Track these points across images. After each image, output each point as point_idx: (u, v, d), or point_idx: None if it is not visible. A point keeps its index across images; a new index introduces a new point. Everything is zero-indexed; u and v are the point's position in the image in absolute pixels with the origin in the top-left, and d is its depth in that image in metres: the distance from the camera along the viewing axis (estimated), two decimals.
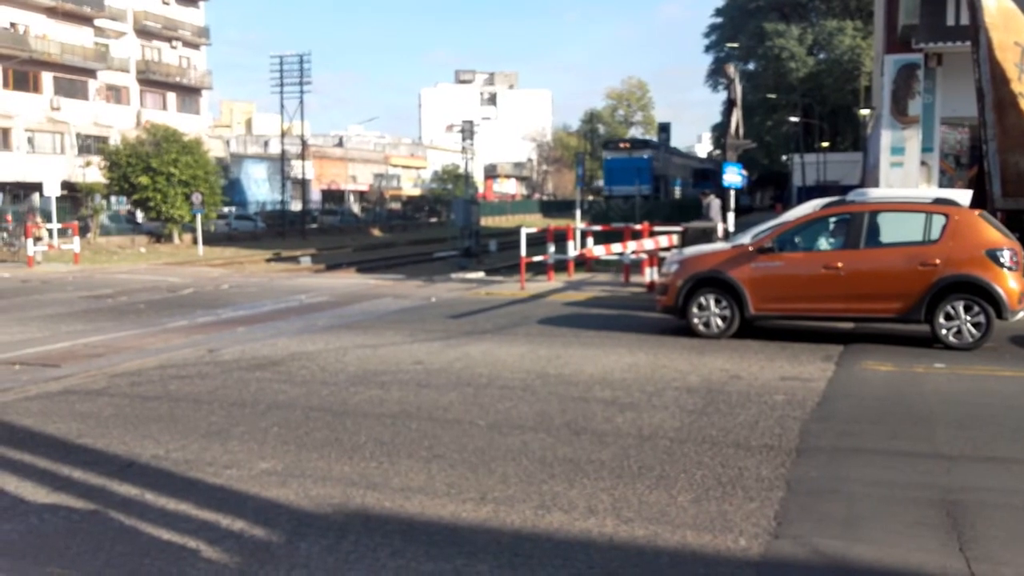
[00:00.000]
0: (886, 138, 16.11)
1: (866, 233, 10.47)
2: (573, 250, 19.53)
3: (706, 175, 51.39)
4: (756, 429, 6.76)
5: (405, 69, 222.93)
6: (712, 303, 10.98)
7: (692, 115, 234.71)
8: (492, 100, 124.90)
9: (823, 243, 10.98)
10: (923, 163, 16.17)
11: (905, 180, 15.83)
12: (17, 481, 5.68)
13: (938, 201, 10.70)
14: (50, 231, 30.32)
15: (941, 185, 16.15)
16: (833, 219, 11.05)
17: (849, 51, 59.20)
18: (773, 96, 62.15)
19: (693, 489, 5.39)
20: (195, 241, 36.74)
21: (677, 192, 45.23)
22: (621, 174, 38.11)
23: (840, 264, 10.38)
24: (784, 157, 68.05)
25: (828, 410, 7.41)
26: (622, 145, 41.19)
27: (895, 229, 10.63)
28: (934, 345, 10.23)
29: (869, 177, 18.63)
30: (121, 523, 4.95)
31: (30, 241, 26.71)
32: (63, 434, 6.84)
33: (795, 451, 6.19)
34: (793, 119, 59.98)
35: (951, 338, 10.11)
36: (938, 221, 10.31)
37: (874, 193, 11.85)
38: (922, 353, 9.98)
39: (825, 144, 61.62)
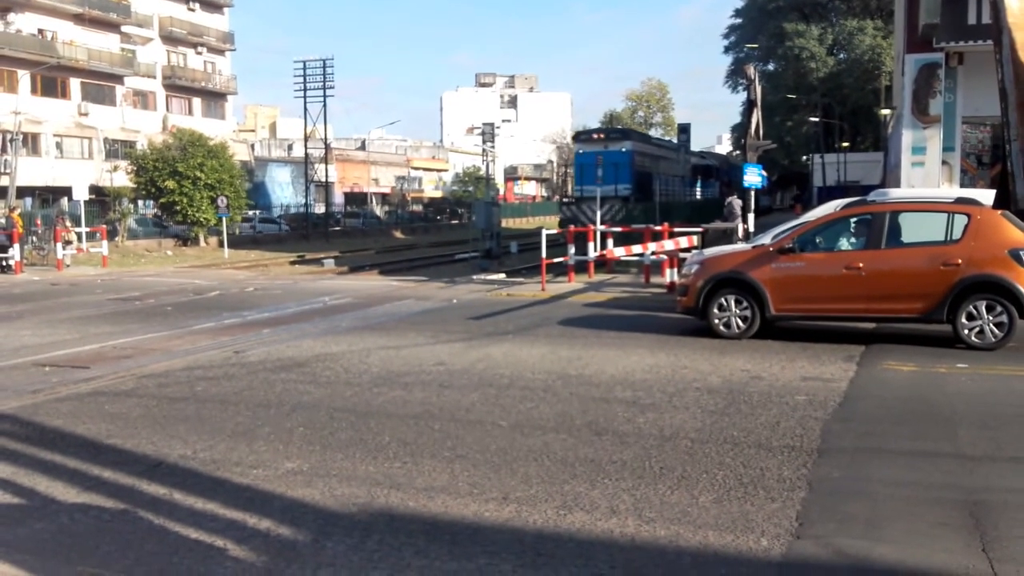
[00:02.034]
0: (907, 138, 16.00)
1: (887, 233, 10.43)
2: (593, 251, 19.57)
3: (709, 172, 45.27)
4: (777, 430, 6.76)
5: (426, 73, 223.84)
6: (733, 303, 10.98)
7: (712, 115, 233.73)
8: (512, 103, 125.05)
9: (844, 243, 10.94)
10: (944, 163, 16.04)
11: (926, 180, 15.71)
12: (48, 481, 5.80)
13: (960, 201, 10.64)
14: (79, 235, 30.71)
15: (963, 185, 16.01)
16: (854, 219, 11.01)
17: (869, 51, 58.69)
18: (793, 96, 61.67)
19: (715, 489, 5.40)
20: (221, 244, 37.11)
21: (662, 192, 35.75)
22: (594, 171, 29.32)
23: (861, 264, 10.34)
24: (804, 157, 67.55)
25: (850, 410, 7.39)
26: (595, 136, 31.56)
27: (917, 229, 10.58)
28: (956, 345, 10.17)
29: (890, 177, 18.49)
30: (150, 522, 5.04)
31: (59, 245, 27.05)
32: (93, 434, 6.96)
33: (817, 451, 6.19)
34: (813, 119, 59.54)
35: (973, 338, 10.04)
36: (960, 221, 10.24)
37: (895, 193, 11.79)
38: (944, 353, 9.93)
39: (845, 144, 61.07)
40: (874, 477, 5.67)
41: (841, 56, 63.14)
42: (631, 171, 29.38)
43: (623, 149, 30.08)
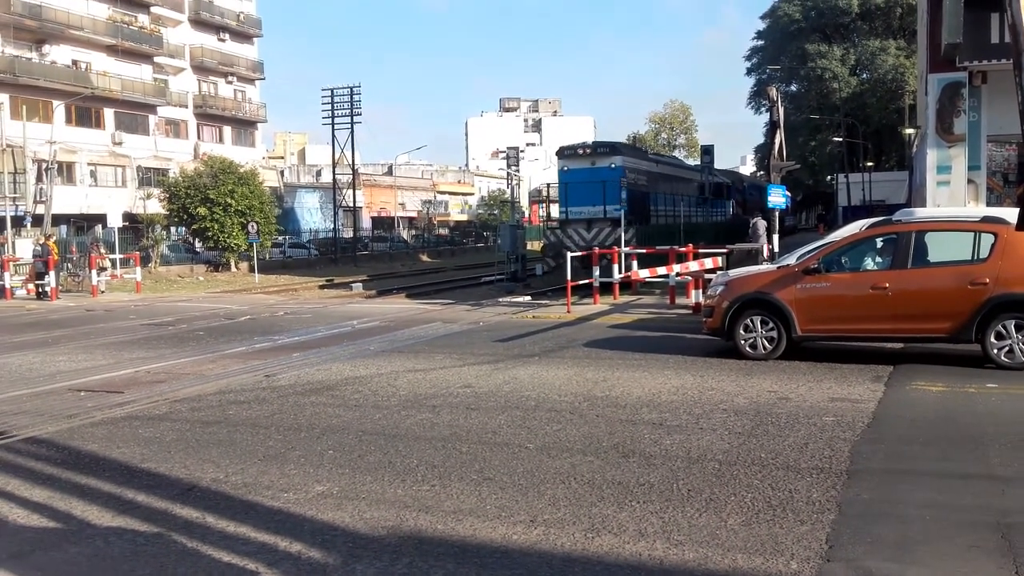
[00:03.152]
0: (932, 157, 15.91)
1: (913, 253, 10.38)
2: (618, 273, 19.60)
3: (719, 191, 40.27)
4: (806, 451, 6.74)
5: (451, 98, 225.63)
6: (758, 324, 10.97)
7: (735, 137, 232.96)
8: (536, 127, 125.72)
9: (870, 263, 10.90)
10: (970, 181, 15.92)
11: (952, 199, 15.59)
12: (84, 505, 5.91)
13: (987, 219, 10.56)
14: (113, 261, 31.23)
15: (989, 203, 15.86)
16: (880, 239, 10.98)
17: (892, 70, 58.47)
18: (816, 116, 61.51)
19: (743, 512, 5.40)
20: (251, 269, 37.55)
21: (662, 213, 30.58)
22: (581, 190, 26.18)
23: (887, 284, 10.28)
24: (829, 177, 67.25)
25: (879, 431, 7.35)
26: (581, 151, 27.24)
27: (943, 248, 10.52)
28: (986, 365, 10.07)
29: (916, 196, 18.34)
30: (184, 545, 5.11)
31: (94, 271, 27.52)
32: (127, 458, 7.09)
33: (846, 473, 6.16)
34: (837, 139, 59.28)
35: (1003, 358, 9.94)
36: (987, 240, 10.17)
37: (921, 212, 11.76)
38: (974, 373, 9.84)
39: (870, 163, 60.72)
40: (904, 499, 5.62)
41: (864, 76, 62.92)
42: (622, 189, 25.67)
43: (612, 165, 26.28)
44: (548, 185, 31.70)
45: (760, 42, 71.24)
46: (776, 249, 17.03)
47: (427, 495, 5.90)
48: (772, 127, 18.13)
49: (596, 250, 19.73)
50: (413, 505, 5.69)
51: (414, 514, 5.51)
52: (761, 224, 19.63)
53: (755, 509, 5.44)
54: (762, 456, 6.63)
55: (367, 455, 6.98)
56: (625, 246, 22.22)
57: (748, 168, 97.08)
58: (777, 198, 16.98)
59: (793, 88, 67.59)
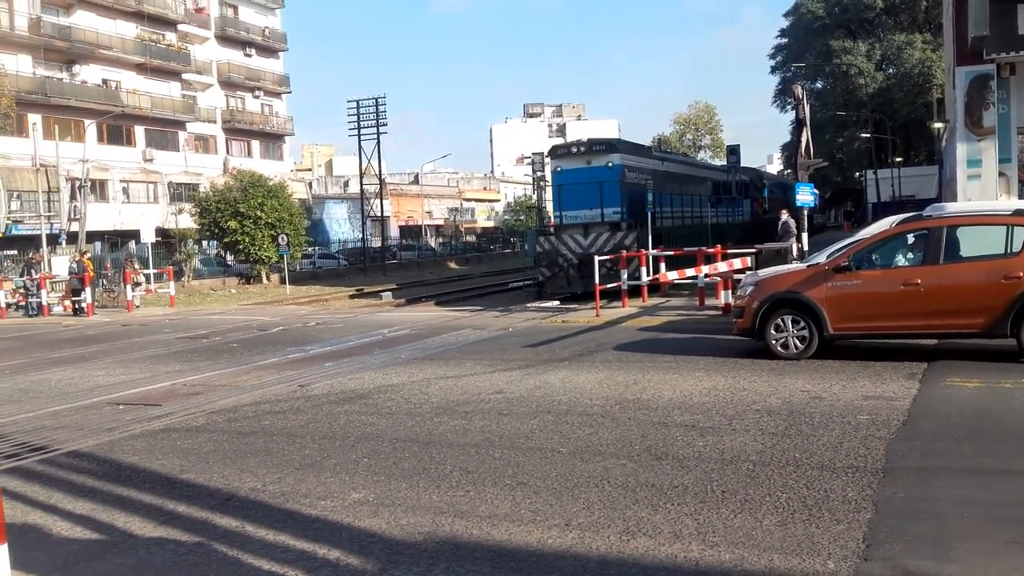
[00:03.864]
0: (961, 151, 15.72)
1: (945, 248, 10.26)
2: (646, 275, 19.55)
3: (732, 189, 36.45)
4: (840, 450, 6.70)
5: (475, 105, 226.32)
6: (789, 324, 10.91)
7: (761, 136, 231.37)
8: (561, 131, 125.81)
9: (901, 259, 10.80)
10: (1001, 174, 15.71)
11: (983, 192, 15.39)
12: (126, 516, 6.03)
13: (1019, 212, 10.42)
14: (147, 276, 31.65)
15: (1021, 196, 15.64)
16: (910, 235, 10.89)
17: (919, 64, 57.89)
18: (843, 113, 61.03)
19: (779, 512, 5.38)
20: (282, 280, 37.96)
21: (669, 214, 27.15)
22: (576, 193, 23.58)
23: (919, 280, 10.18)
24: (857, 173, 66.64)
25: (914, 429, 7.29)
26: (575, 149, 24.62)
27: (975, 243, 10.39)
28: (1021, 360, 9.92)
29: (946, 191, 18.13)
30: (224, 555, 5.20)
31: (129, 287, 27.91)
32: (167, 470, 7.21)
33: (881, 471, 6.12)
34: (864, 135, 58.80)
35: None
36: (1020, 233, 10.03)
37: (951, 207, 11.61)
38: (1009, 368, 9.72)
39: (899, 159, 60.14)
40: (941, 496, 5.58)
41: (890, 71, 62.38)
42: (621, 191, 23.39)
43: (609, 164, 23.63)
44: (541, 187, 29.80)
45: (784, 40, 70.87)
46: (806, 247, 16.92)
47: (462, 500, 5.95)
48: (798, 125, 18.02)
49: (624, 254, 19.65)
50: (448, 511, 5.73)
51: (449, 519, 5.56)
52: (791, 222, 19.51)
53: (791, 509, 5.43)
54: (796, 456, 6.60)
55: (401, 462, 7.04)
56: (626, 251, 21.02)
57: (775, 167, 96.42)
58: (805, 196, 16.88)
59: (819, 85, 67.13)
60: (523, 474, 6.50)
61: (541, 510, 5.65)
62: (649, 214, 22.89)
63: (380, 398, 9.97)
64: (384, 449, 7.50)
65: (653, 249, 20.83)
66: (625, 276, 19.17)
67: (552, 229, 25.13)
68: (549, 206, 27.86)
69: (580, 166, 24.02)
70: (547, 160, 25.31)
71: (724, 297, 16.60)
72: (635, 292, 19.88)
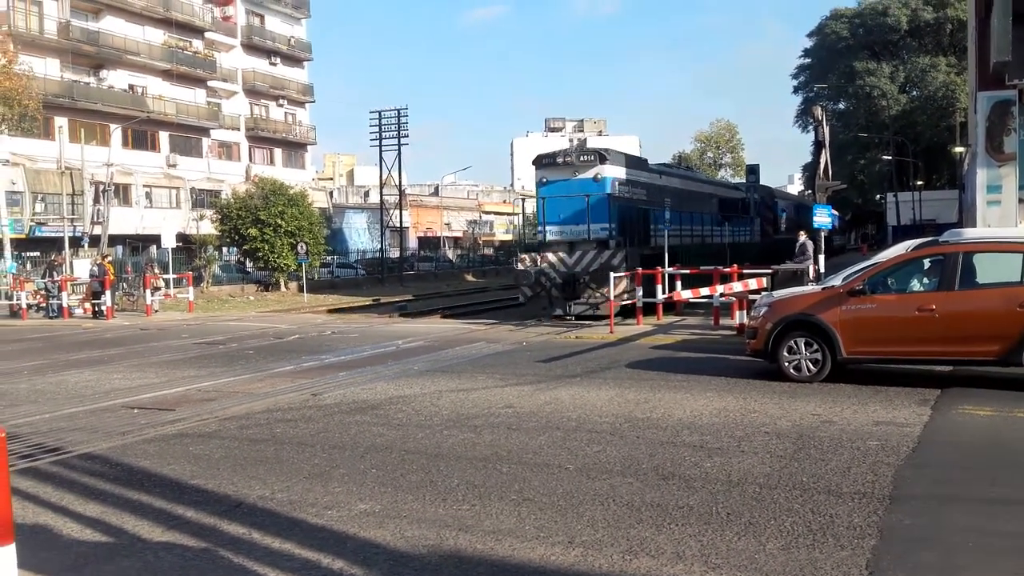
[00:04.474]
0: (982, 176, 15.66)
1: (961, 274, 10.21)
2: (661, 293, 19.49)
3: (743, 207, 34.77)
4: (848, 475, 6.69)
5: (496, 118, 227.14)
6: (803, 346, 10.88)
7: (782, 155, 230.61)
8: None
9: (916, 285, 10.77)
10: (1021, 201, 15.61)
11: (1003, 219, 15.31)
12: (135, 520, 6.10)
13: None
14: (167, 281, 31.92)
15: None
16: (926, 260, 10.85)
17: (943, 88, 57.71)
18: (865, 135, 60.87)
19: (783, 536, 5.38)
20: (300, 289, 38.17)
21: (657, 234, 23.95)
22: (561, 207, 21.89)
23: (934, 306, 10.14)
24: (878, 196, 66.38)
25: (924, 456, 7.26)
26: (561, 160, 22.28)
27: (992, 269, 10.33)
28: None
29: (967, 216, 18.03)
30: (230, 561, 5.26)
31: (148, 291, 28.17)
32: (177, 475, 7.29)
33: (888, 498, 6.10)
34: (886, 157, 58.61)
35: None
36: None
37: (969, 233, 11.56)
38: (1023, 397, 9.64)
39: (920, 182, 59.87)
40: (948, 525, 5.56)
41: (914, 93, 62.26)
42: (610, 206, 21.55)
43: (597, 176, 21.58)
44: (523, 200, 28.05)
45: (807, 60, 70.88)
46: (822, 269, 16.87)
47: (467, 514, 5.98)
48: (817, 146, 17.99)
49: (639, 271, 19.61)
50: (453, 524, 5.77)
51: (454, 533, 5.59)
52: (809, 244, 19.46)
53: (795, 533, 5.42)
54: (803, 480, 6.59)
55: (409, 474, 7.09)
56: (616, 272, 20.05)
57: (796, 187, 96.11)
58: (823, 218, 16.84)
59: (841, 106, 67.08)
60: (529, 490, 6.52)
61: (545, 526, 5.68)
62: (665, 231, 22.52)
63: (391, 409, 10.03)
64: (392, 460, 7.55)
65: (669, 268, 20.69)
66: (640, 293, 19.16)
67: (536, 246, 23.21)
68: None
69: (566, 178, 22.00)
70: (533, 171, 23.00)
71: (739, 317, 16.57)
72: (650, 310, 19.84)
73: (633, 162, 24.96)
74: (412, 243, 72.23)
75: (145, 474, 7.37)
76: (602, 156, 22.11)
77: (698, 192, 29.72)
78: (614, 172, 22.31)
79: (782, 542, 5.28)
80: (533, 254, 22.26)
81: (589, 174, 21.71)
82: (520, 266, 22.40)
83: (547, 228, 22.37)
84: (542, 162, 22.75)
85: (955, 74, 56.97)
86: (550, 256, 21.70)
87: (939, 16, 60.46)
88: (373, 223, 66.02)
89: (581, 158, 22.04)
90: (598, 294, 20.58)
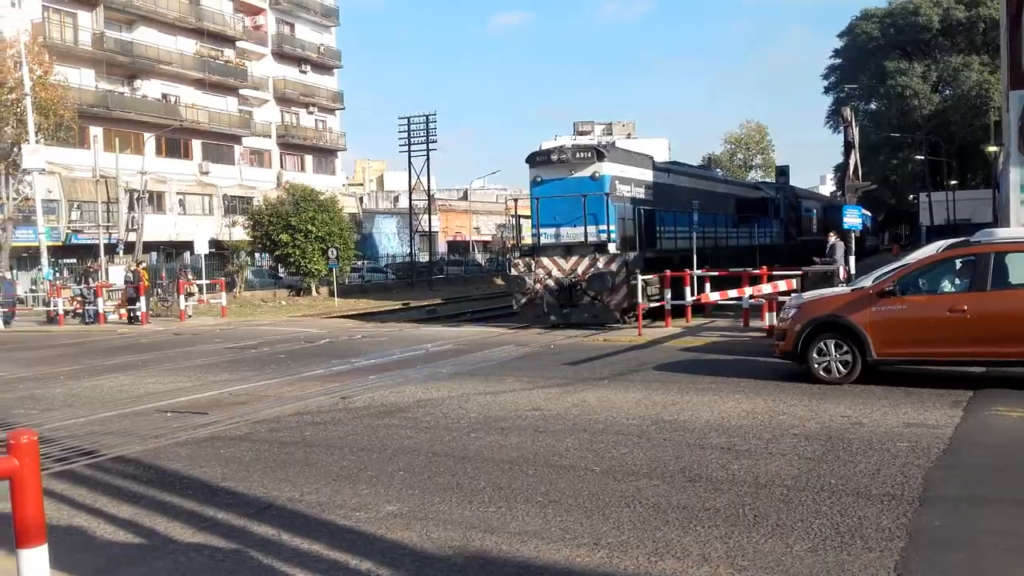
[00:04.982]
0: (1014, 175, 15.42)
1: (993, 274, 10.05)
2: (690, 295, 19.37)
3: (762, 208, 32.81)
4: (877, 477, 6.62)
5: (526, 122, 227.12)
6: (832, 348, 10.78)
7: (813, 156, 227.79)
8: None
9: (947, 285, 10.63)
10: None
11: None
12: (167, 521, 6.19)
13: None
14: (200, 287, 32.37)
15: None
16: (958, 260, 10.71)
17: (976, 87, 56.90)
18: (897, 135, 60.16)
19: (810, 538, 5.35)
20: (331, 293, 38.50)
21: (664, 235, 23.14)
22: (557, 208, 20.44)
23: (966, 307, 10.00)
24: (911, 196, 65.58)
25: (954, 458, 7.17)
26: (556, 157, 20.75)
27: None
28: None
29: (1001, 215, 17.75)
30: (259, 562, 5.32)
31: (182, 297, 28.58)
32: (208, 477, 7.39)
33: (918, 500, 6.03)
34: (919, 157, 57.94)
35: None
36: None
37: (1002, 233, 11.39)
38: None
39: (954, 182, 59.06)
40: (978, 527, 5.50)
41: (947, 92, 61.46)
42: (608, 206, 20.02)
43: (595, 174, 20.03)
44: (516, 202, 24.54)
45: (838, 60, 70.20)
46: (853, 271, 16.71)
47: (493, 516, 6.00)
48: (847, 147, 17.84)
49: (667, 273, 19.52)
50: (479, 526, 5.80)
51: (480, 535, 5.62)
52: (839, 246, 19.29)
53: (823, 536, 5.38)
54: (832, 482, 6.54)
55: (436, 476, 7.13)
56: (616, 278, 19.36)
57: (828, 187, 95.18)
58: (853, 219, 16.69)
59: (872, 106, 66.42)
60: (555, 492, 6.54)
61: (571, 528, 5.69)
62: (692, 235, 22.00)
63: (419, 412, 10.09)
64: (420, 463, 7.60)
65: (698, 269, 20.54)
66: (668, 295, 19.09)
67: (529, 250, 21.69)
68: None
69: (561, 176, 20.49)
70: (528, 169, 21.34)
71: (768, 319, 16.46)
72: (679, 312, 19.74)
73: (636, 159, 23.40)
74: (441, 247, 72.57)
75: (177, 476, 7.48)
76: (600, 153, 20.68)
77: (713, 192, 27.93)
78: (613, 170, 20.74)
79: (810, 544, 5.24)
80: (527, 259, 21.02)
81: (586, 172, 20.23)
82: (513, 272, 21.19)
83: (541, 231, 20.92)
84: (536, 160, 21.23)
85: (988, 73, 56.16)
86: (545, 261, 20.51)
87: (971, 15, 59.64)
88: (403, 228, 66.45)
89: (577, 155, 20.57)
90: (596, 301, 19.62)
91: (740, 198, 30.50)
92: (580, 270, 19.98)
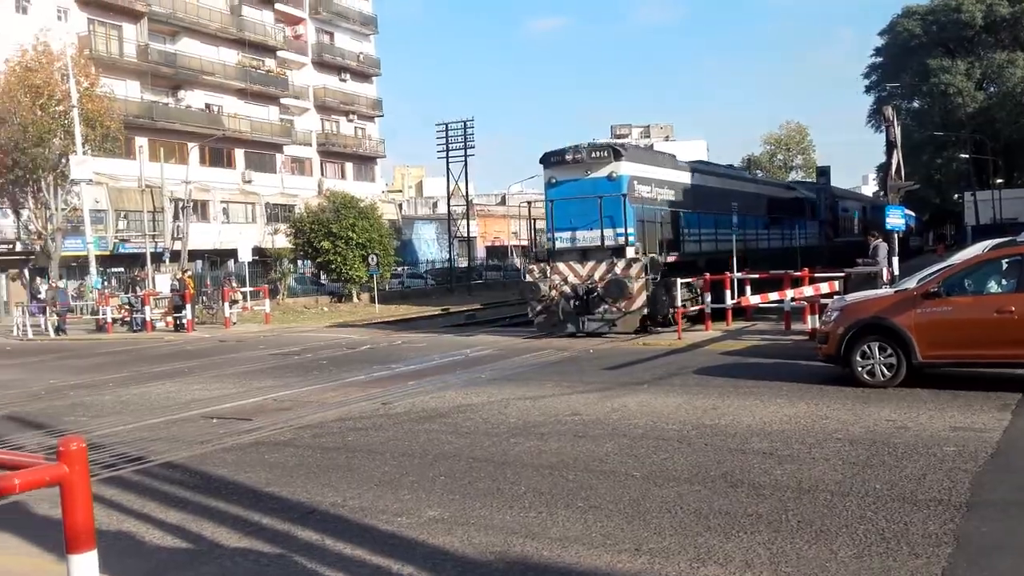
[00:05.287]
0: None
1: None
2: (730, 299, 19.16)
3: (799, 207, 31.68)
4: (923, 482, 6.52)
5: (563, 126, 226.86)
6: (876, 351, 10.62)
7: (855, 156, 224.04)
8: None
9: (994, 286, 10.41)
10: None
11: None
12: (213, 526, 6.30)
13: None
14: (244, 294, 32.81)
15: None
16: (1005, 260, 10.50)
17: (1022, 83, 55.60)
18: (940, 133, 59.02)
19: (855, 544, 5.28)
20: (372, 300, 38.85)
21: (689, 238, 22.09)
22: (572, 209, 19.53)
23: (1013, 308, 9.78)
24: (956, 195, 64.29)
25: (1003, 462, 7.03)
26: (570, 157, 19.71)
27: None
28: None
29: None
30: (303, 566, 5.38)
31: (227, 304, 29.00)
32: (253, 482, 7.50)
33: (965, 505, 5.93)
34: (964, 155, 56.78)
35: None
36: None
37: None
38: None
39: (1000, 180, 57.74)
40: None
41: (991, 90, 60.16)
42: (627, 208, 18.97)
43: (612, 175, 19.10)
44: (530, 204, 22.86)
45: (879, 59, 69.12)
46: (896, 272, 16.43)
47: (534, 522, 6.01)
48: (889, 147, 17.56)
49: (707, 276, 19.33)
50: (520, 531, 5.81)
51: (521, 540, 5.63)
52: (883, 247, 19.01)
53: (867, 542, 5.32)
54: (877, 487, 6.45)
55: (477, 481, 7.16)
56: (633, 283, 18.46)
57: (870, 188, 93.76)
58: (896, 219, 16.42)
59: (915, 104, 65.31)
60: (596, 497, 6.53)
61: (612, 534, 5.68)
62: (732, 236, 21.49)
63: (459, 417, 10.14)
64: (460, 468, 7.64)
65: (738, 273, 20.32)
66: (708, 299, 18.93)
67: (545, 254, 20.54)
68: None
69: (576, 177, 19.53)
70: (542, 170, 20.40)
71: (811, 322, 16.25)
72: (719, 315, 19.57)
73: (657, 159, 22.50)
74: (480, 252, 72.74)
75: (223, 482, 7.60)
76: (617, 152, 19.68)
77: (742, 192, 26.47)
78: (632, 170, 19.69)
79: (854, 550, 5.18)
80: (542, 264, 20.00)
81: (602, 172, 19.23)
82: (528, 278, 20.24)
83: (556, 235, 19.91)
84: (550, 160, 20.16)
85: None
86: (560, 267, 19.53)
87: (1016, 10, 58.34)
88: (441, 234, 66.79)
89: (593, 155, 19.58)
90: (614, 308, 18.68)
91: (772, 198, 29.32)
92: (597, 276, 19.06)
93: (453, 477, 7.34)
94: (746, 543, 5.39)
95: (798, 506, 6.07)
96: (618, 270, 18.77)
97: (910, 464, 7.04)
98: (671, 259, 20.20)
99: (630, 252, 19.04)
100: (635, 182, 19.67)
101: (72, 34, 42.34)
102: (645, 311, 18.70)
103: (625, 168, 19.41)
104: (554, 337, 19.18)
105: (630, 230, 19.05)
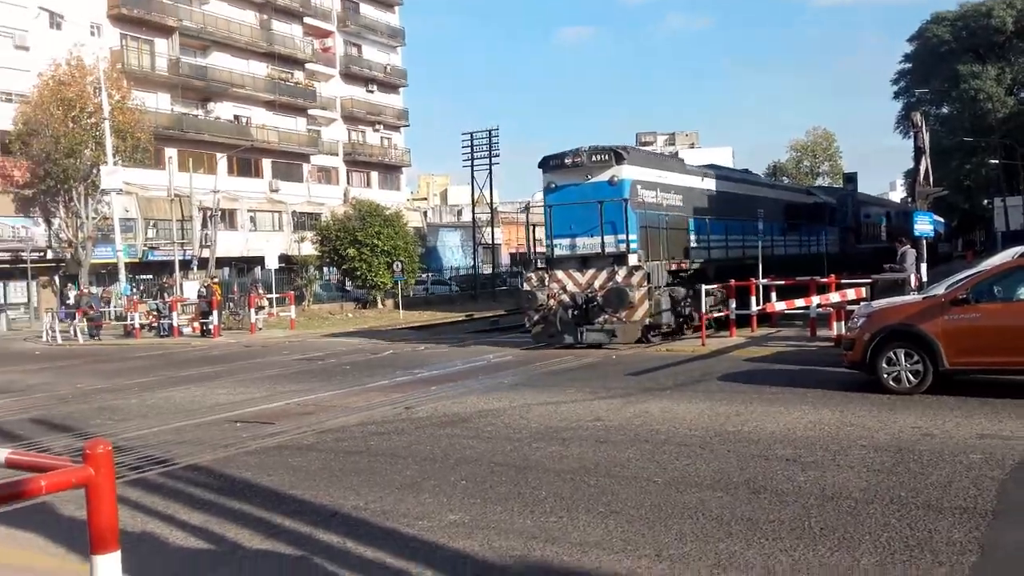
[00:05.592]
0: None
1: None
2: (755, 305, 19.00)
3: (819, 213, 30.55)
4: (949, 490, 6.43)
5: (588, 133, 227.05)
6: (902, 357, 10.50)
7: (883, 162, 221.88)
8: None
9: (1023, 293, 10.28)
10: None
11: None
12: (236, 529, 6.34)
13: None
14: (270, 300, 33.11)
15: None
16: None
17: None
18: (970, 139, 58.30)
19: (878, 552, 5.22)
20: (396, 306, 39.00)
21: (699, 245, 21.27)
22: (572, 216, 18.71)
23: None
24: (986, 201, 63.45)
25: None
26: (570, 161, 18.78)
27: None
28: None
29: None
30: (325, 569, 5.40)
31: (253, 310, 29.29)
32: (276, 485, 7.55)
33: (991, 513, 5.84)
34: (994, 161, 56.04)
35: None
36: None
37: None
38: None
39: None
40: None
41: (1022, 95, 59.31)
42: (628, 213, 18.13)
43: (614, 179, 18.23)
44: (528, 210, 21.93)
45: (907, 65, 68.51)
46: (924, 278, 16.24)
47: (554, 526, 6.00)
48: (917, 153, 17.38)
49: (732, 283, 19.19)
50: (540, 536, 5.80)
51: (541, 544, 5.62)
52: (911, 253, 18.82)
53: (891, 549, 5.25)
54: (901, 494, 6.37)
55: (498, 486, 7.16)
56: (634, 291, 17.75)
57: (898, 194, 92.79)
58: (924, 226, 16.25)
59: (944, 110, 64.66)
60: (617, 502, 6.51)
61: (633, 539, 5.65)
62: (758, 243, 21.20)
63: (481, 422, 10.15)
64: (481, 472, 7.65)
65: (764, 279, 20.14)
66: (733, 305, 18.81)
67: (544, 262, 19.69)
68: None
69: (576, 182, 18.66)
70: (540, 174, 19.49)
71: (836, 328, 16.10)
72: (744, 321, 19.44)
73: (663, 162, 21.65)
74: (504, 259, 72.82)
75: (246, 485, 7.66)
76: (618, 155, 18.58)
77: (756, 197, 25.24)
78: (635, 174, 18.74)
79: (877, 558, 5.12)
80: (540, 272, 19.19)
81: (603, 176, 18.35)
82: (526, 286, 19.35)
83: (555, 241, 19.05)
84: (549, 164, 19.22)
85: None
86: (559, 275, 18.70)
87: None
88: (466, 241, 66.98)
89: (593, 158, 18.60)
90: (614, 318, 17.85)
91: (790, 203, 28.26)
92: (597, 284, 18.25)
93: (474, 481, 7.34)
94: (767, 550, 5.34)
95: (821, 513, 6.01)
96: (619, 278, 18.04)
97: (935, 471, 6.95)
98: (676, 267, 19.50)
99: (632, 260, 18.26)
100: (638, 187, 18.86)
101: (105, 49, 43.03)
102: (647, 321, 18.05)
103: (627, 172, 18.57)
104: (551, 348, 18.48)
105: (632, 237, 18.28)
